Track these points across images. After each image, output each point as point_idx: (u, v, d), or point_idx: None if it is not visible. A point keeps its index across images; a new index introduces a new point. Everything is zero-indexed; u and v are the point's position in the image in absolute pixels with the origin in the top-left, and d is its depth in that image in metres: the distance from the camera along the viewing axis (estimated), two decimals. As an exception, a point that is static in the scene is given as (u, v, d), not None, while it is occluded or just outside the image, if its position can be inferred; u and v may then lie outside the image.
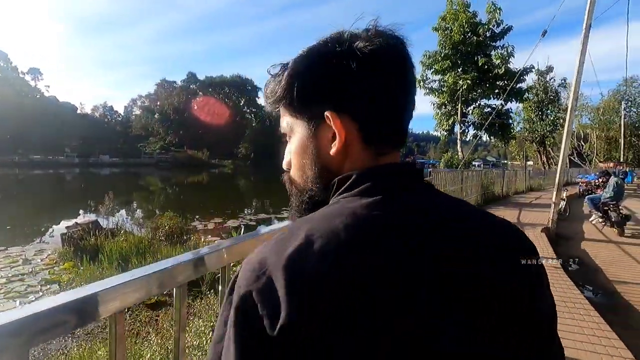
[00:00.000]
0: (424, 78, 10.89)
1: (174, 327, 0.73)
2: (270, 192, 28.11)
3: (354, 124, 0.47)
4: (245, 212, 16.95)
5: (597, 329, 3.22)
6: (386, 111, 0.48)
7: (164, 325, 3.55)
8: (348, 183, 0.46)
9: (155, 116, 69.71)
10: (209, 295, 4.25)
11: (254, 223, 13.45)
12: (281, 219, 14.82)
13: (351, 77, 0.46)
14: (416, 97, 0.53)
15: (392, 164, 0.49)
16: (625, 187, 10.76)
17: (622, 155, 29.04)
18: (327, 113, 0.47)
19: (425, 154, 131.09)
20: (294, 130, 0.52)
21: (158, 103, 69.90)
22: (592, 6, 6.39)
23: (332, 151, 0.47)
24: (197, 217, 13.77)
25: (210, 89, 72.40)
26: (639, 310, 4.12)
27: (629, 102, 38.70)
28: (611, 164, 16.00)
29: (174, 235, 7.33)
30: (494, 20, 10.18)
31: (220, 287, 0.88)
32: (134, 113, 77.99)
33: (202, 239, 7.91)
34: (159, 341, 3.00)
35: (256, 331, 0.34)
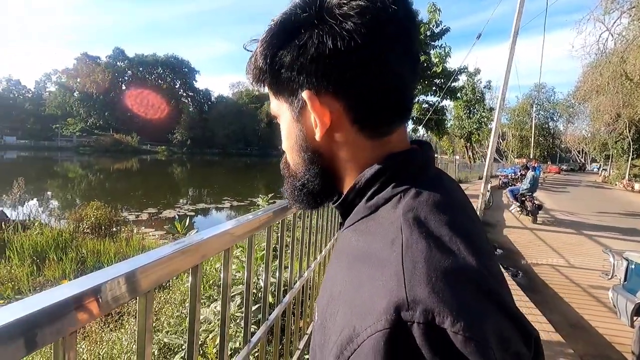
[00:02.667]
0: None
1: (138, 338, 0.57)
2: (208, 181, 26.89)
3: (339, 105, 0.41)
4: (181, 202, 15.98)
5: (524, 307, 3.58)
6: (379, 84, 0.40)
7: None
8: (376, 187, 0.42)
9: (75, 94, 62.18)
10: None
11: (192, 213, 12.76)
12: (220, 209, 14.27)
13: (331, 49, 0.38)
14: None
15: (403, 155, 0.43)
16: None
17: (532, 152, 33.04)
18: (303, 94, 0.40)
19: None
20: (281, 113, 0.46)
21: (78, 80, 62.14)
22: (520, 14, 7.04)
23: (317, 137, 0.42)
24: (127, 207, 12.74)
25: (141, 69, 66.52)
26: (551, 287, 4.70)
27: (538, 106, 44.13)
28: (524, 160, 18.09)
29: (101, 227, 6.63)
30: (434, 21, 10.72)
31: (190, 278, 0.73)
32: (47, 90, 68.46)
33: (135, 231, 7.26)
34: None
35: None
